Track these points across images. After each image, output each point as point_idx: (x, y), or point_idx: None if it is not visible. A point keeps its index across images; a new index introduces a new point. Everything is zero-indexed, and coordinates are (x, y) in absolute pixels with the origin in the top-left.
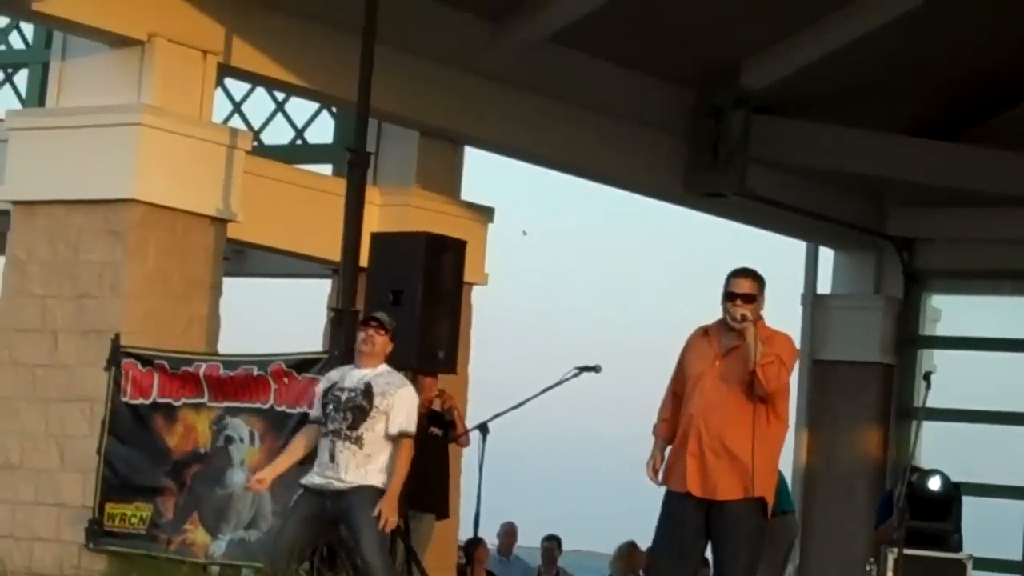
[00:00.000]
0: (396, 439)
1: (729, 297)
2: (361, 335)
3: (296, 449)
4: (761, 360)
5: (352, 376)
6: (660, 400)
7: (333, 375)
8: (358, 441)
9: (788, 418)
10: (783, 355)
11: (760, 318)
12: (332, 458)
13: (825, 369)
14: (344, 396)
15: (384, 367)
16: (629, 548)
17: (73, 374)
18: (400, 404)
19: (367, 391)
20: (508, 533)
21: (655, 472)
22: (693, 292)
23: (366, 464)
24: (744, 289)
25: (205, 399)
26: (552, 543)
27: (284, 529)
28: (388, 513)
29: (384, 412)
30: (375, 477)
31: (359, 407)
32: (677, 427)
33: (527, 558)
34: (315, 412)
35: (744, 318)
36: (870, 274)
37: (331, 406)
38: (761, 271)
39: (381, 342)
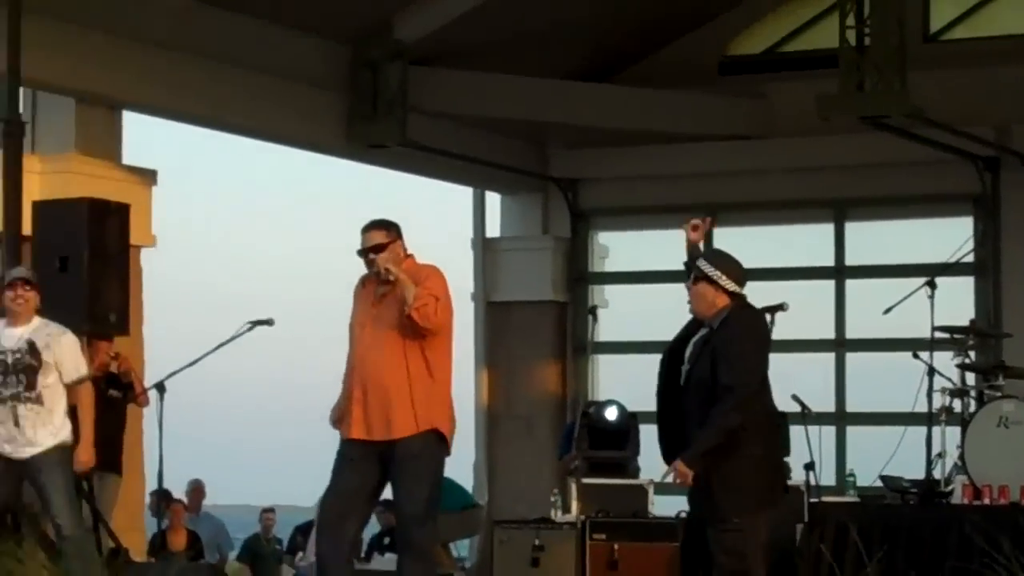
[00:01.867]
0: (73, 386)
1: (362, 254)
2: (10, 295)
3: None
4: (416, 303)
5: (9, 337)
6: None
7: None
8: (39, 399)
9: (450, 354)
10: (436, 291)
11: (410, 256)
12: (16, 423)
13: (499, 311)
14: (10, 359)
15: (37, 320)
16: None
17: None
18: (66, 351)
19: (31, 348)
20: (196, 490)
21: (338, 422)
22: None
23: (51, 420)
24: (373, 241)
25: None
26: (271, 513)
27: None
28: (87, 459)
29: (53, 364)
30: (62, 433)
31: (29, 366)
32: None
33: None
34: None
35: (388, 271)
36: (537, 215)
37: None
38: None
39: (32, 297)
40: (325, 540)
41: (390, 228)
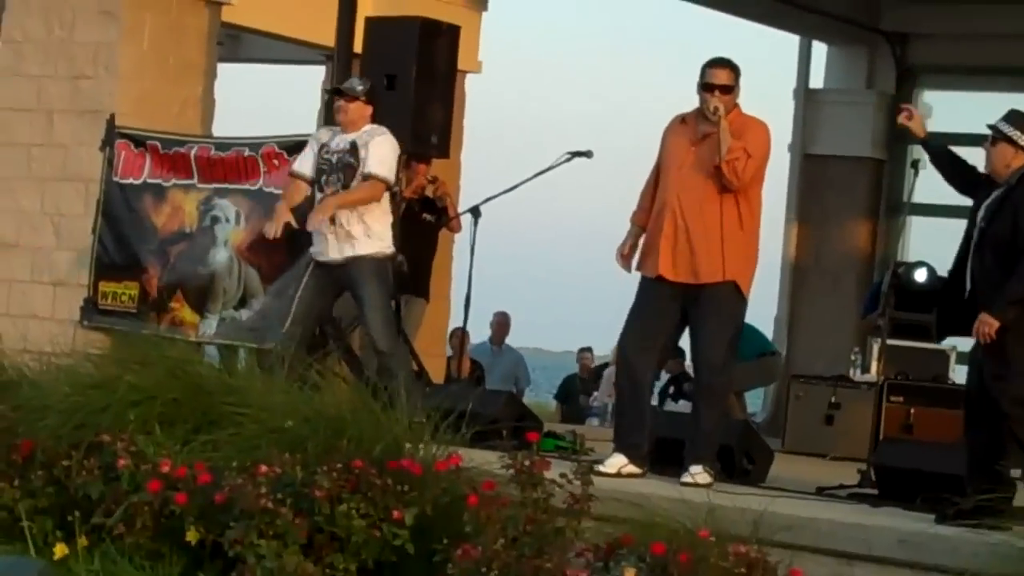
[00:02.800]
0: (368, 179)
1: (705, 87)
2: (335, 107)
3: (293, 195)
4: (727, 156)
5: (340, 139)
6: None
7: (323, 135)
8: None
9: (760, 207)
10: (752, 147)
11: (736, 106)
12: (333, 219)
13: (816, 164)
14: (334, 159)
15: (368, 126)
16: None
17: (68, 153)
18: (373, 147)
19: (353, 148)
20: (500, 323)
21: (624, 258)
22: (687, 84)
23: (365, 222)
24: (721, 80)
25: (195, 180)
26: (587, 352)
27: (298, 299)
28: (315, 213)
29: (364, 160)
30: (378, 244)
31: (348, 164)
32: (644, 228)
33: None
34: (304, 167)
35: (717, 110)
36: (863, 69)
37: (324, 172)
38: (753, 66)
39: (354, 108)
40: (626, 377)
41: (736, 71)
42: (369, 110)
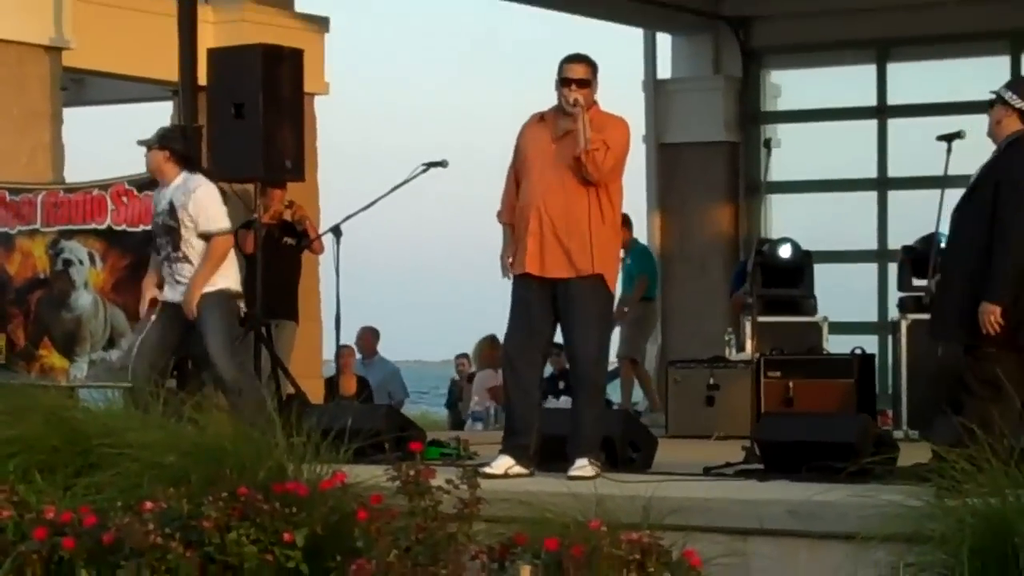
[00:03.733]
0: (207, 239)
1: (564, 83)
2: None
3: (155, 272)
4: (588, 147)
5: (161, 198)
6: (502, 189)
7: (155, 198)
8: (186, 259)
9: (621, 201)
10: (611, 140)
11: (595, 103)
12: (176, 281)
13: (671, 152)
14: (160, 221)
15: (181, 176)
16: (488, 342)
17: None
18: (196, 206)
19: (171, 209)
20: (365, 338)
21: (510, 265)
22: (535, 86)
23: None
24: (578, 74)
25: (38, 225)
26: (464, 359)
27: (144, 341)
28: (186, 304)
29: (191, 221)
30: (219, 281)
31: (170, 228)
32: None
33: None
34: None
35: (576, 102)
36: (708, 55)
37: (157, 234)
38: (599, 60)
39: (153, 157)
40: (513, 378)
41: (593, 66)
42: (166, 154)
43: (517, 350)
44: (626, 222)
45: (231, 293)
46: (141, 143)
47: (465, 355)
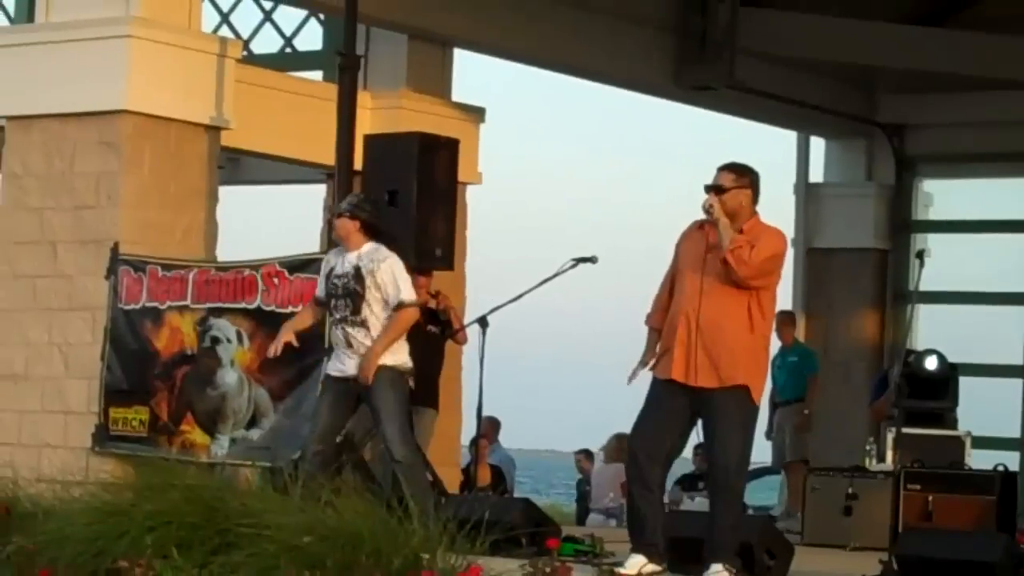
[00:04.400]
0: (397, 309)
1: (705, 189)
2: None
3: (302, 319)
4: (730, 246)
5: (344, 262)
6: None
7: (331, 258)
8: (364, 324)
9: (773, 313)
10: (762, 244)
11: (755, 214)
12: (348, 344)
13: (820, 257)
14: (340, 284)
15: (369, 245)
16: (616, 438)
17: (74, 284)
18: (386, 275)
19: (356, 274)
20: (490, 425)
21: (648, 367)
22: (686, 186)
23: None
24: (717, 180)
25: (188, 301)
26: (582, 455)
27: (315, 415)
28: (364, 369)
29: (377, 289)
30: (395, 357)
31: (353, 291)
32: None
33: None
34: (319, 291)
35: (711, 208)
36: (862, 161)
37: (332, 296)
38: (752, 163)
39: (340, 224)
40: (635, 478)
41: (743, 175)
42: (357, 224)
43: (643, 448)
44: (790, 319)
45: (405, 370)
46: (331, 211)
47: (585, 451)
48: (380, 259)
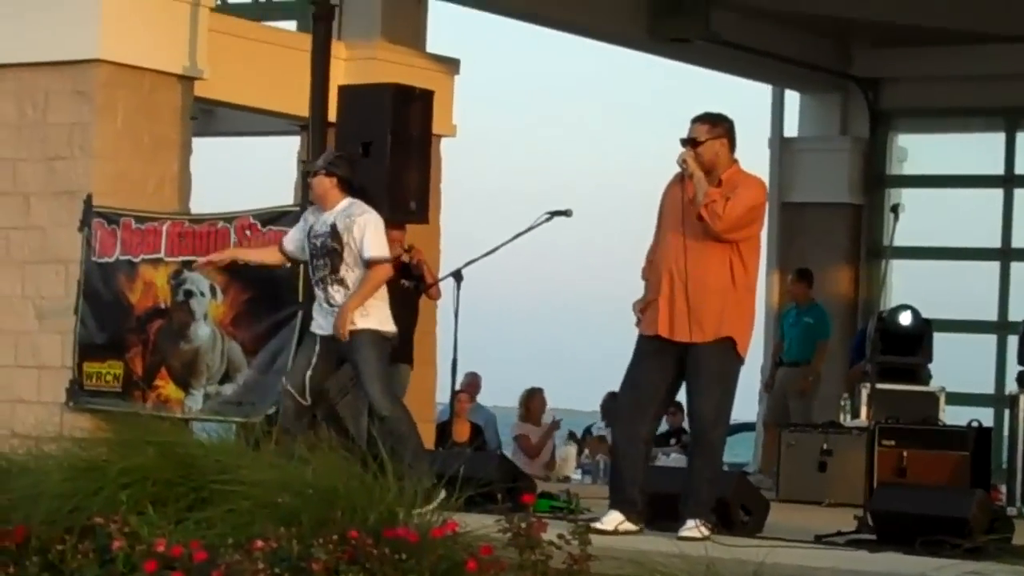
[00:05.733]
0: (367, 266)
1: (681, 142)
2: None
3: (256, 252)
4: (704, 200)
5: (320, 221)
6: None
7: (309, 217)
8: (343, 282)
9: (756, 265)
10: (736, 195)
11: (734, 163)
12: (328, 302)
13: (794, 212)
14: (319, 242)
15: (344, 202)
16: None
17: (46, 235)
18: (360, 231)
19: (333, 232)
20: (471, 384)
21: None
22: (661, 139)
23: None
24: (691, 134)
25: (162, 254)
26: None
27: (294, 369)
28: (337, 326)
29: (356, 244)
30: (371, 319)
31: (332, 250)
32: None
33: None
34: (287, 241)
35: (685, 163)
36: (836, 115)
37: (312, 255)
38: (727, 115)
39: (316, 183)
40: (621, 433)
41: (716, 125)
42: (333, 180)
43: (630, 405)
44: (806, 276)
45: (385, 335)
46: (305, 167)
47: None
48: (356, 214)
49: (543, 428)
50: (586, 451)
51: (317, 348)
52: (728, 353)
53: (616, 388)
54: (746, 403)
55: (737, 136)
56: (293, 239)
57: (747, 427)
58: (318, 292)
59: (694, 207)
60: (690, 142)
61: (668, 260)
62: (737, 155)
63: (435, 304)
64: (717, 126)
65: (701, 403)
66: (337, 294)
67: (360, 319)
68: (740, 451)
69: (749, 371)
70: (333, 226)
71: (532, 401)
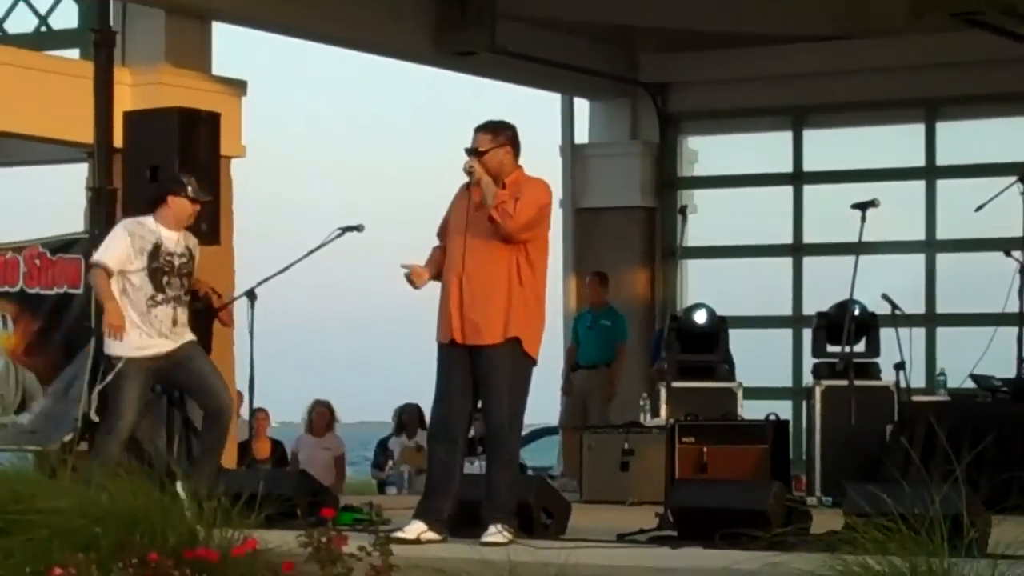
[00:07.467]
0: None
1: (466, 152)
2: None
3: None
4: (494, 202)
5: (172, 240)
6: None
7: (145, 233)
8: (187, 304)
9: (544, 266)
10: (525, 198)
11: (517, 167)
12: (175, 322)
13: (588, 217)
14: (177, 262)
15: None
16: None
17: None
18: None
19: (191, 255)
20: (321, 413)
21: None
22: (453, 152)
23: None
24: (475, 143)
25: None
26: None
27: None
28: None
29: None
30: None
31: (189, 272)
32: (440, 269)
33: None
34: (115, 262)
35: (471, 171)
36: (626, 121)
37: (166, 272)
38: (518, 124)
39: (189, 205)
40: (435, 443)
41: (499, 133)
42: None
43: (438, 417)
44: (601, 279)
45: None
46: (172, 189)
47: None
48: (193, 238)
49: (327, 441)
50: (390, 462)
51: (144, 371)
52: (517, 354)
53: (408, 399)
54: (548, 407)
55: (522, 142)
56: (122, 257)
57: (551, 431)
58: (163, 311)
59: (484, 211)
60: (474, 152)
61: (456, 266)
62: (529, 163)
63: (234, 323)
64: (500, 134)
65: (494, 407)
66: (182, 315)
67: (190, 333)
68: (544, 455)
69: (550, 374)
70: (188, 249)
71: (316, 413)
